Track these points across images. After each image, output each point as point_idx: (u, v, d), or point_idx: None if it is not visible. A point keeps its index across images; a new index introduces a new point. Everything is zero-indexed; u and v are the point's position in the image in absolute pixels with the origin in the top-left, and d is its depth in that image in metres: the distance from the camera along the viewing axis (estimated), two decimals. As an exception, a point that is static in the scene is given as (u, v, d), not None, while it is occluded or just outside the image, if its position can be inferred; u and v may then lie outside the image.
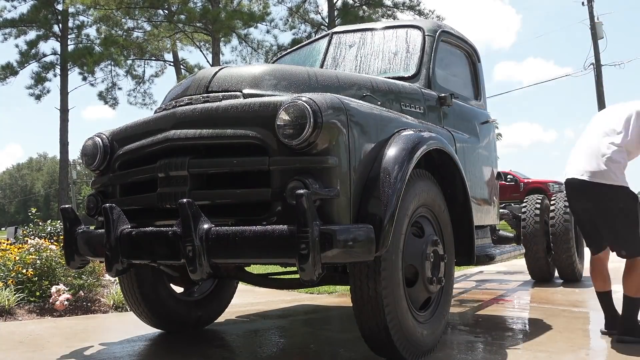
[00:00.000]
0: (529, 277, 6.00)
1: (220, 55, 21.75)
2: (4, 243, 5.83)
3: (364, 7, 23.58)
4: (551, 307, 4.34)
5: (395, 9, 23.91)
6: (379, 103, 2.96)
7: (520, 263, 6.24)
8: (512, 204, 6.07)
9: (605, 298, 3.26)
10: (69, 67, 24.95)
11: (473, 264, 3.29)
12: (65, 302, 4.23)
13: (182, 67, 25.38)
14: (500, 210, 4.90)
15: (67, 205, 2.96)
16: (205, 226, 2.29)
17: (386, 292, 2.41)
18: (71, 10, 23.73)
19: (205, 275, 2.29)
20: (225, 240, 2.24)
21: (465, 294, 5.41)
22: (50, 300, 4.27)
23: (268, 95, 2.57)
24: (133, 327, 3.66)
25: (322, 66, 3.84)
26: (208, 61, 22.77)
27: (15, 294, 4.24)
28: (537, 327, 3.57)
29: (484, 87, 4.44)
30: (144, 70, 29.38)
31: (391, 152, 2.49)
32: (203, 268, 2.26)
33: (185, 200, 2.31)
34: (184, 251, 2.28)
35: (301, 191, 2.10)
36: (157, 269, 3.20)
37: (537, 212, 5.52)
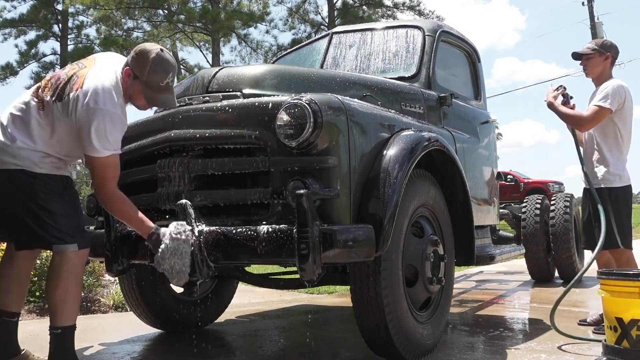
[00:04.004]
0: (529, 277, 6.00)
1: (220, 55, 21.76)
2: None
3: (364, 7, 23.58)
4: (551, 307, 4.33)
5: (395, 9, 23.91)
6: (379, 103, 2.96)
7: (520, 263, 6.24)
8: (512, 204, 6.07)
9: None
10: (68, 67, 24.92)
11: (473, 264, 3.29)
12: (65, 302, 4.22)
13: (182, 67, 25.36)
14: (500, 210, 4.90)
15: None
16: (205, 227, 2.29)
17: (386, 292, 2.41)
18: (71, 10, 23.71)
19: (206, 276, 2.29)
20: (225, 240, 2.24)
21: (465, 294, 5.41)
22: (50, 300, 4.26)
23: (268, 95, 2.57)
24: (133, 327, 3.66)
25: (322, 66, 3.84)
26: (208, 61, 22.78)
27: (15, 294, 4.23)
28: (537, 327, 3.57)
29: (484, 87, 4.44)
30: (144, 70, 29.26)
31: (391, 152, 2.49)
32: (203, 269, 2.26)
33: (184, 200, 2.31)
34: (184, 251, 2.28)
35: (301, 191, 2.10)
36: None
37: (537, 212, 5.52)
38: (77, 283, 2.48)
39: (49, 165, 2.41)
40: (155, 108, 2.81)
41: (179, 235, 2.24)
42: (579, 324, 3.60)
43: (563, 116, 3.47)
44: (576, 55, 3.52)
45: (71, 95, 2.31)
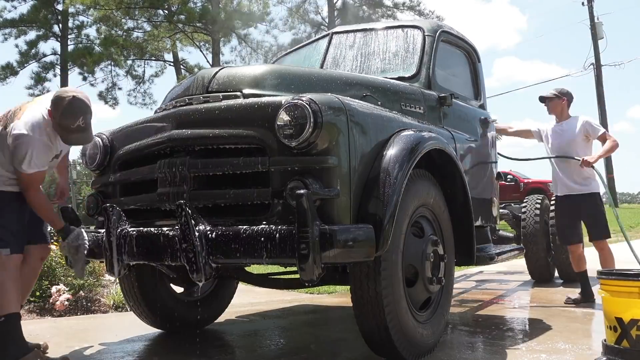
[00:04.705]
0: (529, 277, 6.00)
1: (220, 55, 21.76)
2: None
3: (364, 7, 23.60)
4: (551, 307, 4.34)
5: (395, 9, 23.94)
6: (379, 103, 2.96)
7: (520, 263, 6.24)
8: (512, 204, 6.07)
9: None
10: (69, 67, 24.92)
11: (473, 264, 3.29)
12: (66, 302, 4.23)
13: (182, 67, 25.35)
14: (500, 210, 4.90)
15: (67, 205, 2.97)
16: (205, 227, 2.29)
17: (386, 292, 2.41)
18: (71, 10, 23.70)
19: (206, 276, 2.29)
20: (225, 240, 2.24)
21: (465, 294, 5.41)
22: (51, 300, 4.27)
23: (268, 96, 2.57)
24: (133, 327, 3.66)
25: (322, 66, 3.84)
26: (208, 61, 22.78)
27: (15, 294, 4.23)
28: (537, 327, 3.57)
29: (484, 87, 4.44)
30: (144, 70, 29.21)
31: (391, 152, 2.49)
32: (203, 269, 2.26)
33: (184, 201, 2.31)
34: (184, 252, 2.28)
35: (301, 191, 2.10)
36: (157, 269, 3.20)
37: (537, 212, 5.52)
38: (10, 278, 2.77)
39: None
40: (155, 108, 2.84)
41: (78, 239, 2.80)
42: (565, 303, 4.39)
43: (606, 154, 4.63)
44: (541, 98, 4.65)
45: (12, 125, 2.75)
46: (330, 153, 2.29)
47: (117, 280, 4.00)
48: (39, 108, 2.82)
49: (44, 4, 24.33)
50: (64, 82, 24.97)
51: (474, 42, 4.33)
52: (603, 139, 4.48)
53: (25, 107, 2.85)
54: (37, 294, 4.39)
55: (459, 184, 3.05)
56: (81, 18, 25.43)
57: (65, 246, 2.80)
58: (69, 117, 2.70)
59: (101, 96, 26.31)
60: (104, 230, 2.61)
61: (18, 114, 2.80)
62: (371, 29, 3.96)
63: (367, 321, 2.49)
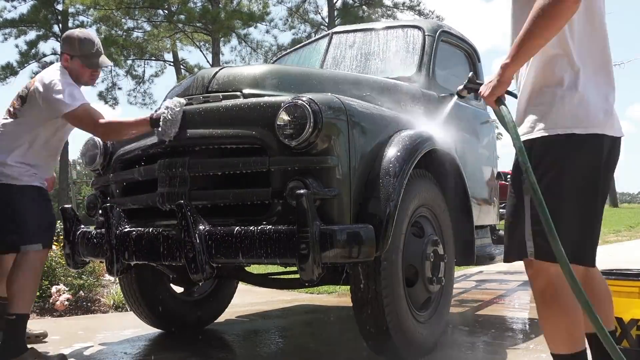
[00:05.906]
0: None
1: (220, 55, 21.77)
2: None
3: (364, 7, 23.61)
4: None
5: (395, 9, 23.95)
6: (379, 103, 2.96)
7: (520, 263, 6.24)
8: (512, 204, 6.05)
9: None
10: (68, 67, 24.90)
11: (473, 264, 3.29)
12: (66, 302, 4.22)
13: (182, 67, 25.36)
14: (500, 210, 4.89)
15: (67, 205, 2.97)
16: (205, 227, 2.29)
17: (386, 292, 2.41)
18: (71, 10, 23.69)
19: (206, 276, 2.29)
20: (225, 240, 2.24)
21: (465, 294, 5.41)
22: (51, 300, 4.27)
23: (268, 95, 2.57)
24: (133, 327, 3.66)
25: (322, 66, 3.84)
26: (208, 61, 22.79)
27: (15, 294, 4.23)
28: (537, 327, 3.56)
29: (484, 87, 4.43)
30: (144, 70, 29.12)
31: (391, 152, 2.49)
32: (203, 269, 2.26)
33: (183, 201, 2.31)
34: (184, 252, 2.28)
35: (301, 191, 2.11)
36: (157, 269, 3.20)
37: (537, 212, 5.51)
38: (32, 278, 2.81)
39: (27, 177, 2.81)
40: (155, 108, 2.85)
41: (173, 106, 2.54)
42: None
43: None
44: None
45: (30, 91, 2.80)
46: (330, 153, 2.29)
47: (117, 280, 3.99)
48: (50, 70, 2.86)
49: (44, 4, 24.33)
50: (64, 82, 24.95)
51: (474, 42, 4.32)
52: None
53: (34, 78, 2.88)
54: (37, 293, 4.39)
55: (459, 183, 3.05)
56: (81, 18, 25.41)
57: (165, 128, 2.54)
58: (86, 43, 2.87)
59: (101, 96, 26.31)
60: (104, 230, 2.61)
61: (31, 82, 2.85)
62: (371, 29, 3.96)
63: (367, 321, 2.49)
